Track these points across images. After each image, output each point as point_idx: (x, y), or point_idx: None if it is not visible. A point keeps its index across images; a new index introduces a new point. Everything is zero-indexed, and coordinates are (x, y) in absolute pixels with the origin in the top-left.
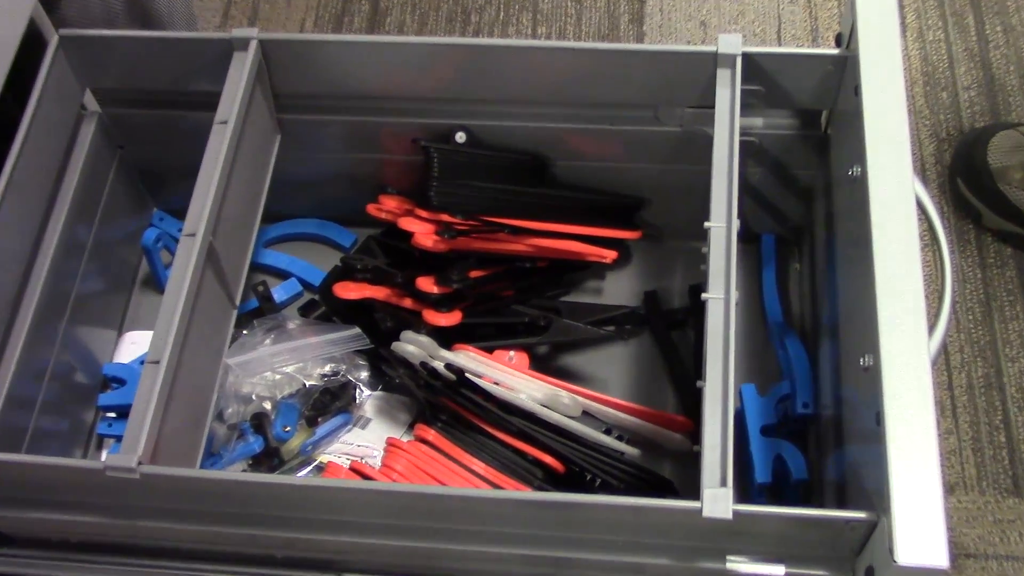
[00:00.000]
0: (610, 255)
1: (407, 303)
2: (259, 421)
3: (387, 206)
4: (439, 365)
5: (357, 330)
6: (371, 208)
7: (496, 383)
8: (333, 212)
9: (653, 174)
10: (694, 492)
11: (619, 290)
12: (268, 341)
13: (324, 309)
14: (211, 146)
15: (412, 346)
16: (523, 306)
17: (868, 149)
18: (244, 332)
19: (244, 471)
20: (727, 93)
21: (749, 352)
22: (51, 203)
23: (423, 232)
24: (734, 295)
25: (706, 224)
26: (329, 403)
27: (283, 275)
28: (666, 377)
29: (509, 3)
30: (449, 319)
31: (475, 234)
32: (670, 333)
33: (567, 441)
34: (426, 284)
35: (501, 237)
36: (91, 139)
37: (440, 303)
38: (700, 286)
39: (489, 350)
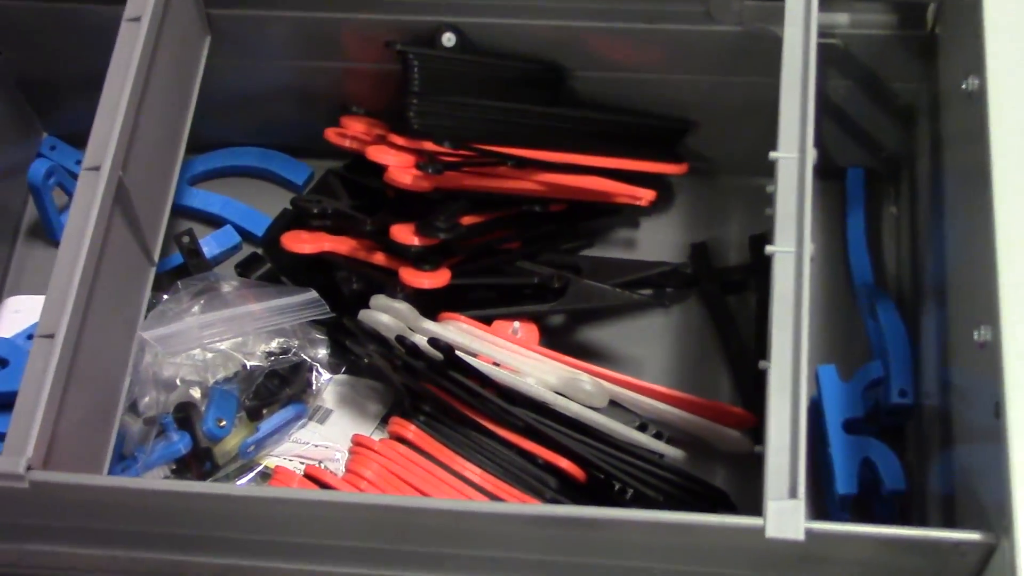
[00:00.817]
0: (646, 195)
1: (379, 259)
2: (185, 413)
3: (352, 131)
4: (421, 340)
5: (313, 294)
6: (331, 134)
7: (496, 364)
8: (281, 139)
9: (703, 89)
10: (755, 506)
11: (658, 242)
12: (196, 309)
13: (269, 267)
14: (119, 51)
15: (385, 315)
16: (531, 263)
17: (989, 55)
18: (165, 297)
19: (166, 478)
20: None
21: (828, 323)
22: None
23: (399, 165)
24: (809, 248)
25: (772, 155)
26: (277, 390)
27: (216, 222)
28: (719, 356)
29: None
30: (434, 279)
31: (468, 168)
32: (725, 298)
33: (589, 440)
34: (403, 234)
35: (502, 172)
36: None
37: (422, 259)
38: (764, 236)
39: (487, 321)
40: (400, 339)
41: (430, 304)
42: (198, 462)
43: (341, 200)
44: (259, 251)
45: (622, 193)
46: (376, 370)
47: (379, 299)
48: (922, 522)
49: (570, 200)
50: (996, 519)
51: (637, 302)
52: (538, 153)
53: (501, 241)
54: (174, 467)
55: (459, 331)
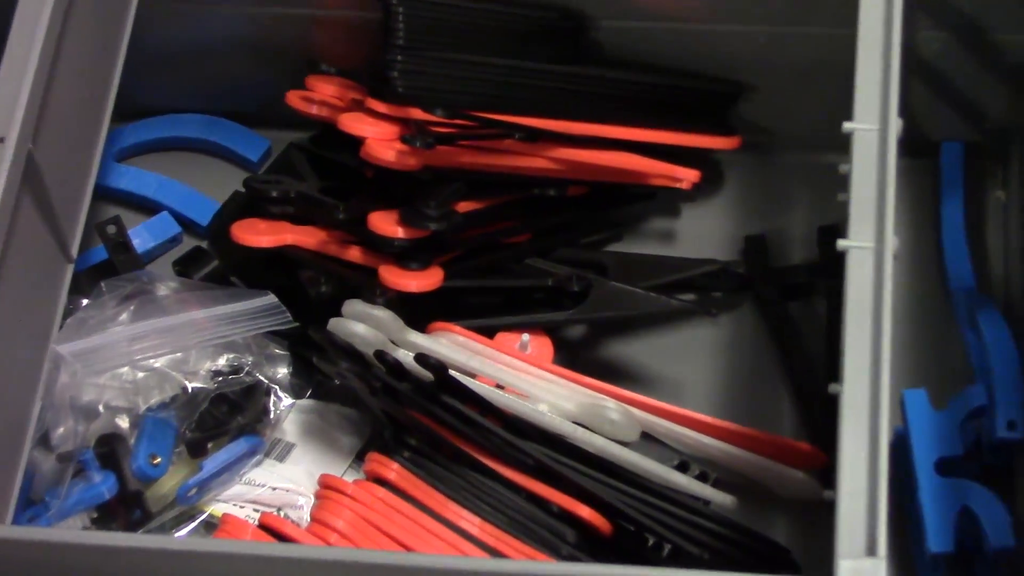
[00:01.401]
0: (688, 176)
1: (353, 254)
2: (110, 448)
3: (321, 94)
4: (406, 356)
5: (271, 299)
6: (294, 98)
7: (500, 387)
8: (232, 104)
9: (759, 42)
10: (823, 566)
11: (702, 234)
12: (125, 316)
13: (216, 264)
14: None
15: (362, 326)
16: (544, 260)
17: None
18: (85, 302)
19: (86, 529)
20: None
21: (917, 337)
22: None
23: (380, 138)
24: (892, 243)
25: (847, 126)
26: (226, 419)
27: (149, 207)
28: (779, 377)
29: None
30: (423, 281)
31: (465, 142)
32: (786, 305)
33: (616, 482)
34: (385, 223)
35: (508, 147)
36: None
37: (408, 255)
38: (836, 228)
39: (489, 333)
40: (380, 355)
41: (418, 311)
42: (126, 509)
43: (307, 181)
44: (204, 245)
45: (658, 173)
46: (350, 394)
47: (354, 305)
48: None
49: (593, 182)
50: None
51: (677, 310)
52: (553, 123)
53: (506, 233)
54: (96, 515)
55: (454, 345)
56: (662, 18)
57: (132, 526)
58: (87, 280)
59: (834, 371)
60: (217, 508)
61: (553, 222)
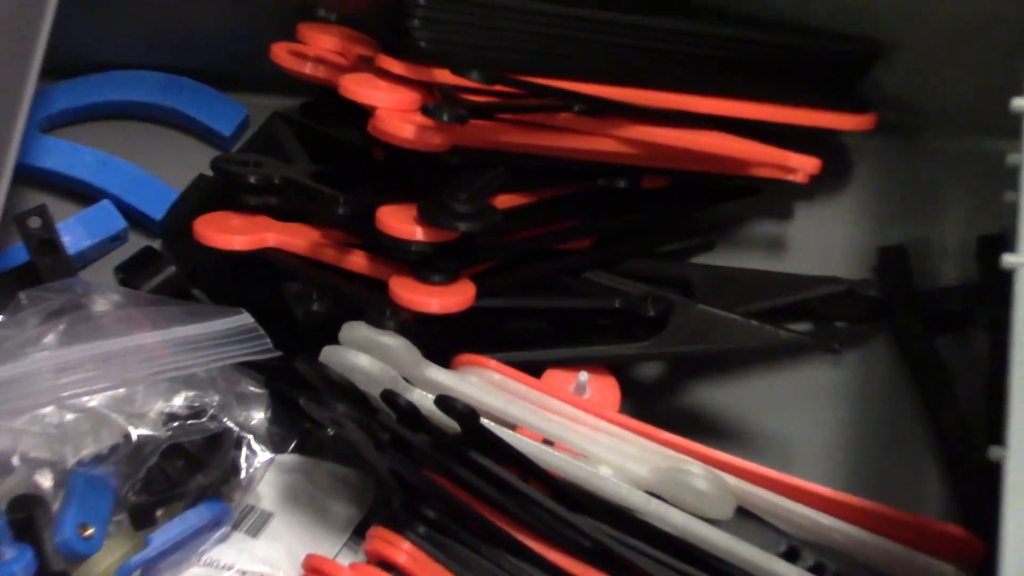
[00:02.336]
0: (805, 165)
1: (356, 262)
2: (26, 514)
3: (316, 48)
4: (424, 399)
5: (246, 319)
6: (281, 53)
7: (548, 442)
8: (198, 60)
9: None
10: None
11: (822, 244)
12: (50, 339)
13: (173, 271)
14: None
15: (366, 357)
16: (610, 275)
17: None
18: None
19: None
20: None
21: None
22: None
23: (394, 108)
24: None
25: (1016, 102)
26: (181, 478)
27: (85, 194)
28: (922, 436)
29: None
30: (449, 299)
31: (508, 114)
32: (933, 340)
33: (701, 574)
34: (400, 222)
35: (565, 123)
36: None
37: (430, 264)
38: (1001, 238)
39: (535, 369)
40: (389, 396)
41: (441, 339)
42: None
43: (295, 163)
44: (156, 245)
45: (765, 161)
46: (347, 448)
47: (356, 330)
48: None
49: (677, 172)
50: None
51: (786, 344)
52: (626, 92)
53: (560, 238)
54: None
55: (487, 386)
56: None
57: None
58: (1, 289)
59: (996, 430)
60: None
61: (622, 224)
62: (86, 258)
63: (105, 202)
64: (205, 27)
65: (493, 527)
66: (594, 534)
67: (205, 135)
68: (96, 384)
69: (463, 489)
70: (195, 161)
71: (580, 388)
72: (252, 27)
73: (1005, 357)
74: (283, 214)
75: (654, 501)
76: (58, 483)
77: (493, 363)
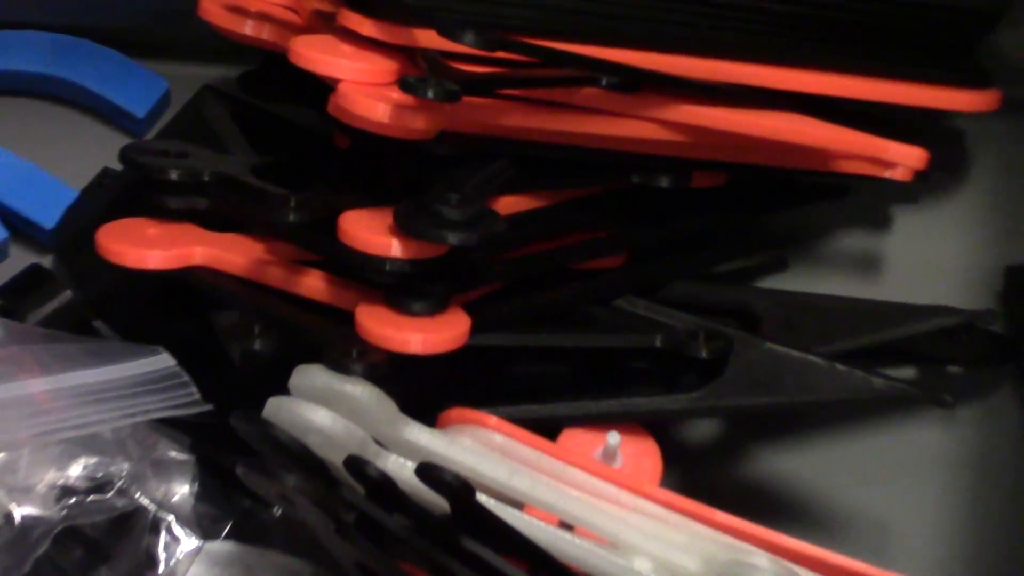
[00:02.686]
0: (908, 158)
1: (312, 285)
2: None
3: (256, 1)
4: (401, 468)
5: (164, 361)
6: (212, 7)
7: (566, 525)
8: (102, 17)
9: None
10: None
11: (930, 263)
12: None
13: (70, 296)
14: None
15: (325, 411)
16: (649, 302)
17: None
18: None
19: None
20: None
21: None
22: None
23: (363, 81)
24: None
25: None
26: (82, 571)
27: None
28: None
29: None
30: (436, 334)
31: (514, 90)
32: None
33: None
34: (369, 231)
35: (590, 101)
36: None
37: (411, 287)
38: None
39: (549, 429)
40: (356, 465)
41: (424, 388)
42: None
43: (232, 153)
44: (47, 263)
45: (855, 152)
46: (299, 532)
47: (311, 376)
48: None
49: (738, 167)
50: None
51: (883, 396)
52: (669, 60)
53: (582, 253)
54: None
55: (486, 451)
56: None
57: None
58: None
59: None
60: None
61: (665, 235)
62: None
63: None
64: None
65: None
66: None
67: (112, 116)
68: None
69: None
70: (99, 151)
71: (609, 454)
72: None
73: None
74: (215, 221)
75: None
76: None
77: (493, 420)
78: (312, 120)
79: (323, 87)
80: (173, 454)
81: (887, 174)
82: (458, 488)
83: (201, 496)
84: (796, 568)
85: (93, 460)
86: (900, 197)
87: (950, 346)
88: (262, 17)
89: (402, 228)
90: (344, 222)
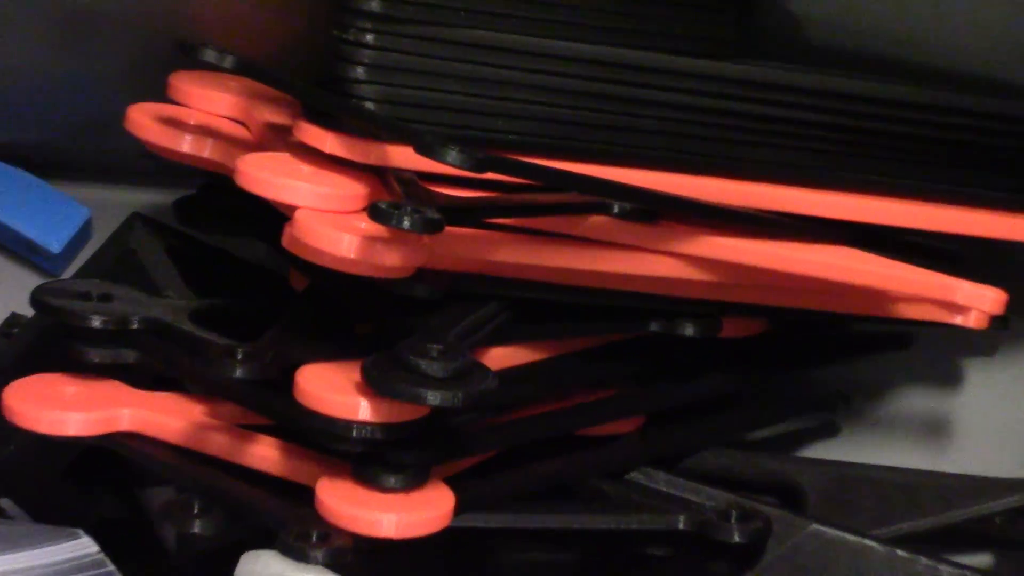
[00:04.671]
0: (984, 301)
1: (261, 453)
2: None
3: (200, 109)
4: None
5: (84, 547)
6: (141, 118)
7: None
8: (15, 132)
9: None
10: None
11: (1009, 428)
12: None
13: None
14: None
15: None
16: (670, 475)
17: None
18: None
19: None
20: None
21: None
22: None
23: (326, 208)
24: None
25: None
26: None
27: None
28: None
29: None
30: (412, 515)
31: (507, 218)
32: None
33: None
34: (332, 390)
35: (598, 232)
36: None
37: (382, 458)
38: None
39: None
40: None
41: None
42: None
43: (166, 296)
44: None
45: (920, 295)
46: None
47: (262, 564)
48: None
49: (778, 312)
50: None
51: None
52: (696, 183)
53: (589, 416)
54: None
55: None
56: None
57: None
58: None
59: None
60: None
61: (689, 395)
62: None
63: None
64: (23, 79)
65: None
66: None
67: (22, 251)
68: None
69: None
70: (5, 293)
71: None
72: (100, 78)
73: None
74: (146, 378)
75: None
76: None
77: None
78: (262, 255)
79: (276, 215)
80: None
81: (957, 320)
82: None
83: None
84: None
85: None
86: (972, 349)
87: None
88: (202, 131)
89: (372, 386)
90: (301, 379)
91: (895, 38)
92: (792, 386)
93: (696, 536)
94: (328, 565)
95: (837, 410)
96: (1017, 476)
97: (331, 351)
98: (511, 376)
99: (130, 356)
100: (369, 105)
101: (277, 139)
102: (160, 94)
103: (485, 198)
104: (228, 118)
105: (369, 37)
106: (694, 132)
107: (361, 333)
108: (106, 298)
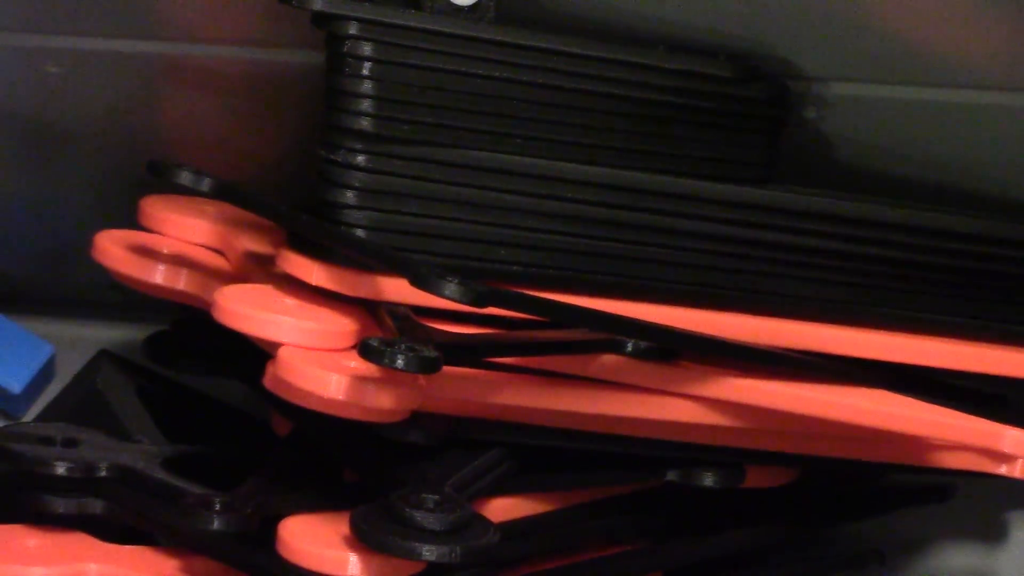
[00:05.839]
0: None
1: None
2: None
3: (173, 237)
4: None
5: None
6: (109, 247)
7: None
8: None
9: None
10: None
11: None
12: None
13: None
14: None
15: None
16: None
17: None
18: None
19: None
20: None
21: None
22: None
23: (311, 346)
24: None
25: None
26: None
27: None
28: None
29: None
30: None
31: (510, 358)
32: None
33: None
34: (318, 544)
35: (612, 372)
36: None
37: None
38: None
39: None
40: None
41: None
42: None
43: (136, 441)
44: None
45: (962, 442)
46: None
47: None
48: None
49: (806, 460)
50: None
51: None
52: (715, 319)
53: (601, 572)
54: None
55: None
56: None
57: None
58: None
59: None
60: None
61: (709, 551)
62: None
63: None
64: None
65: None
66: None
67: None
68: None
69: None
70: None
71: None
72: (60, 202)
73: None
74: (115, 530)
75: None
76: None
77: None
78: (241, 397)
79: (257, 353)
80: None
81: (1002, 470)
82: None
83: None
84: None
85: None
86: (1020, 501)
87: None
88: (177, 261)
89: (362, 540)
90: (285, 531)
91: (934, 162)
92: (822, 543)
93: None
94: None
95: (870, 569)
96: None
97: (317, 501)
98: (514, 530)
99: (97, 506)
100: (360, 232)
101: (258, 270)
102: (130, 220)
103: (486, 335)
104: (205, 247)
105: (360, 159)
106: (717, 264)
107: (350, 482)
108: (71, 443)
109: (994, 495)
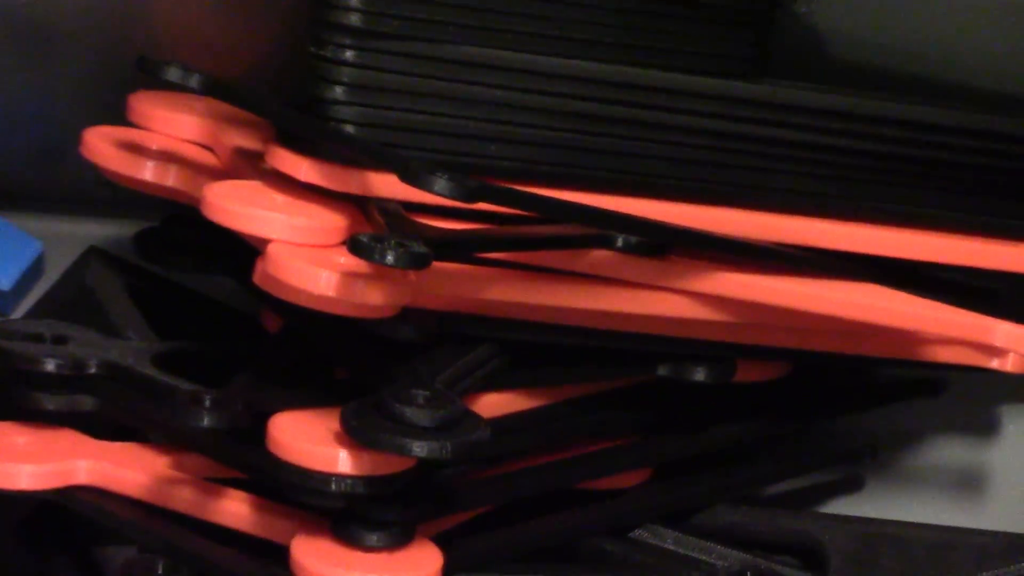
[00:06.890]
0: (1021, 342)
1: (231, 509)
2: None
3: (162, 133)
4: None
5: None
6: (98, 143)
7: None
8: None
9: None
10: None
11: None
12: None
13: None
14: None
15: None
16: (678, 533)
17: None
18: None
19: None
20: None
21: None
22: None
23: (301, 241)
24: None
25: None
26: None
27: None
28: None
29: None
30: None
31: (499, 252)
32: None
33: None
34: (309, 440)
35: (602, 267)
36: None
37: (363, 514)
38: None
39: None
40: None
41: None
42: None
43: (125, 337)
44: None
45: (953, 336)
46: None
47: None
48: None
49: (797, 355)
50: None
51: None
52: (707, 214)
53: (591, 469)
54: None
55: None
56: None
57: None
58: None
59: None
60: None
61: (699, 445)
62: None
63: None
64: None
65: None
66: None
67: None
68: None
69: None
70: None
71: None
72: (49, 99)
73: None
74: (105, 427)
75: None
76: None
77: None
78: (231, 293)
79: (247, 250)
80: None
81: (994, 364)
82: None
83: None
84: None
85: None
86: (1008, 395)
87: None
88: (166, 157)
89: (352, 436)
90: (275, 428)
91: (926, 55)
92: (813, 436)
93: None
94: None
95: (862, 462)
96: None
97: (307, 398)
98: (505, 425)
99: (87, 403)
100: (349, 128)
101: (248, 166)
102: (119, 117)
103: (477, 231)
104: (194, 143)
105: (349, 54)
106: (707, 158)
107: (340, 378)
108: (60, 340)
109: (985, 390)
